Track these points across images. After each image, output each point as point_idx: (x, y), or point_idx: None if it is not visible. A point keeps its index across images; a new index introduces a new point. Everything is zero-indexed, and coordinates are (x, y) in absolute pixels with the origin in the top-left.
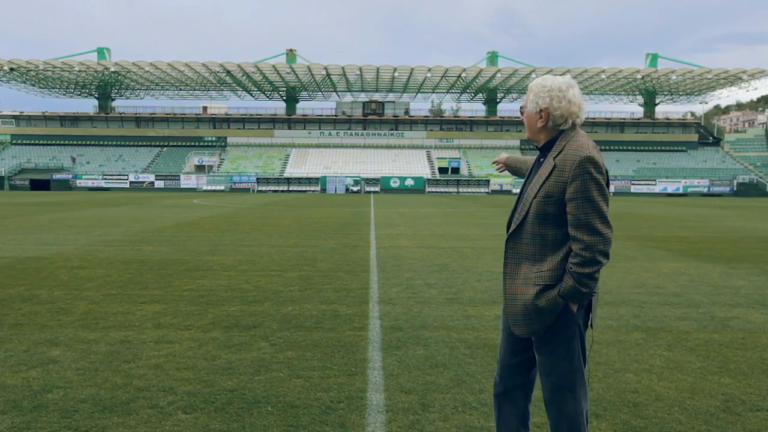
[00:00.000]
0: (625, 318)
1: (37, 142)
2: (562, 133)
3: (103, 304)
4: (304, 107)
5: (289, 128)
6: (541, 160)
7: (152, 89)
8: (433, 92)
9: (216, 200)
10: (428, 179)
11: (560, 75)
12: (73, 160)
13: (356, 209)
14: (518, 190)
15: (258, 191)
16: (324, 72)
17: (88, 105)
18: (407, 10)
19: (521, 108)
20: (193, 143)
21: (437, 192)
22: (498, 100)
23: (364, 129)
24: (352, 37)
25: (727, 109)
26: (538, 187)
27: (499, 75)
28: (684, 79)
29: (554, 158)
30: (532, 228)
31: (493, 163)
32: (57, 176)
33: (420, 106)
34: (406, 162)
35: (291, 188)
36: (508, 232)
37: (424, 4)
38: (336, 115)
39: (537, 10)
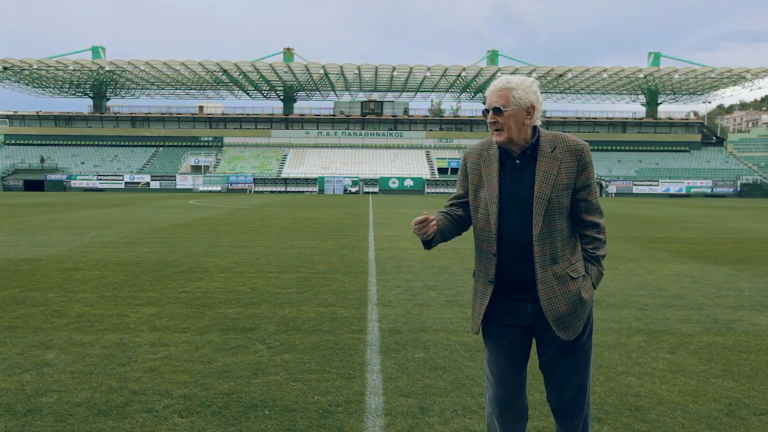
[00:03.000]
0: (627, 320)
1: (31, 142)
2: (536, 130)
3: (98, 306)
4: (301, 107)
5: (287, 128)
6: (518, 162)
7: (148, 88)
8: (433, 91)
9: (212, 201)
10: (427, 180)
11: (560, 75)
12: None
13: (355, 210)
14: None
15: (255, 192)
16: (322, 71)
17: (83, 104)
18: (404, 7)
19: (499, 107)
20: (189, 143)
21: (437, 193)
22: None
23: (363, 129)
24: (348, 36)
25: (730, 109)
26: (551, 183)
27: (499, 74)
28: (687, 78)
29: (551, 152)
30: (551, 225)
31: (423, 225)
32: (51, 177)
33: (419, 105)
34: (405, 162)
35: (288, 189)
36: (509, 236)
37: (422, 2)
38: (334, 115)
39: (536, 7)
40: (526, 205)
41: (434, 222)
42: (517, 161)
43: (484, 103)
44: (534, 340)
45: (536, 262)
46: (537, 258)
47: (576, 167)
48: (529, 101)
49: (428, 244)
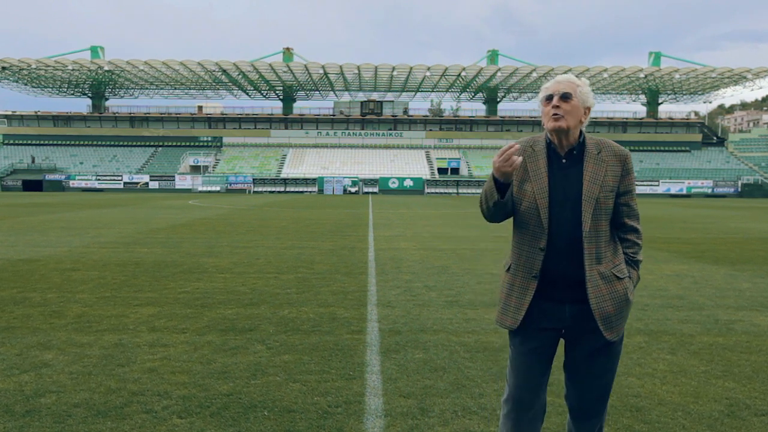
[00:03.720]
0: (628, 321)
1: (29, 142)
2: (581, 132)
3: (97, 306)
4: (301, 107)
5: (286, 128)
6: (564, 161)
7: (147, 88)
8: (433, 91)
9: (211, 201)
10: (427, 180)
11: (561, 74)
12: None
13: (354, 210)
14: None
15: (254, 192)
16: (321, 71)
17: (82, 104)
18: (404, 7)
19: (569, 93)
20: (188, 143)
21: (436, 193)
22: (498, 99)
23: (362, 129)
24: (348, 36)
25: (731, 109)
26: (599, 184)
27: (499, 74)
28: (687, 78)
29: (597, 154)
30: (597, 225)
31: (509, 155)
32: (50, 177)
33: (419, 105)
34: (405, 162)
35: (288, 189)
36: (558, 232)
37: (422, 2)
38: (333, 115)
39: (536, 7)
40: (574, 203)
41: (520, 157)
42: (564, 160)
43: (484, 103)
44: (562, 340)
45: (585, 260)
46: (586, 255)
47: (620, 171)
48: (589, 102)
49: (504, 189)
